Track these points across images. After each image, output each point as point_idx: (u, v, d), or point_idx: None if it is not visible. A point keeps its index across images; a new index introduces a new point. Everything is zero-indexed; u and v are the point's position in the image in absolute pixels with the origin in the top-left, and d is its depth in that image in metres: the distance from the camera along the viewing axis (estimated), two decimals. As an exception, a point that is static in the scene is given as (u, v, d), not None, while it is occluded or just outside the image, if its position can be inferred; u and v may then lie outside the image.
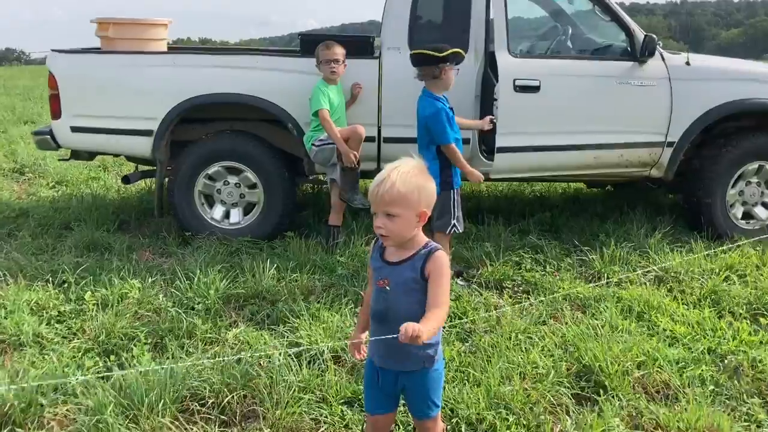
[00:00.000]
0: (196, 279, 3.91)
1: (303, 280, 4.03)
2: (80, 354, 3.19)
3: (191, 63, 4.95)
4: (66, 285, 3.93)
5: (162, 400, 2.69)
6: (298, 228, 5.00)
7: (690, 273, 4.19)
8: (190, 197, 4.88)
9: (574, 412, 2.80)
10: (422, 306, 1.99)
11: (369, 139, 4.65)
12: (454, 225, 4.01)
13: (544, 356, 3.17)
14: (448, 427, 2.66)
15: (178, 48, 6.03)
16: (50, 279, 4.00)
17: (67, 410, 2.72)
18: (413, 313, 1.96)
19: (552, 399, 2.85)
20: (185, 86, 4.75)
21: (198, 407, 2.76)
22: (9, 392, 2.69)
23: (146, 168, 5.36)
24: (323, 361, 3.08)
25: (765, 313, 3.69)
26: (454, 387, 2.89)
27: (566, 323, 3.54)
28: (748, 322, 3.58)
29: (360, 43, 5.09)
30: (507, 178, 5.54)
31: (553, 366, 3.07)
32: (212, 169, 4.87)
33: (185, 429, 2.63)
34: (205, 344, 3.31)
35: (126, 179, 5.26)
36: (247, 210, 4.98)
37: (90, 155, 5.34)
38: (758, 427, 2.73)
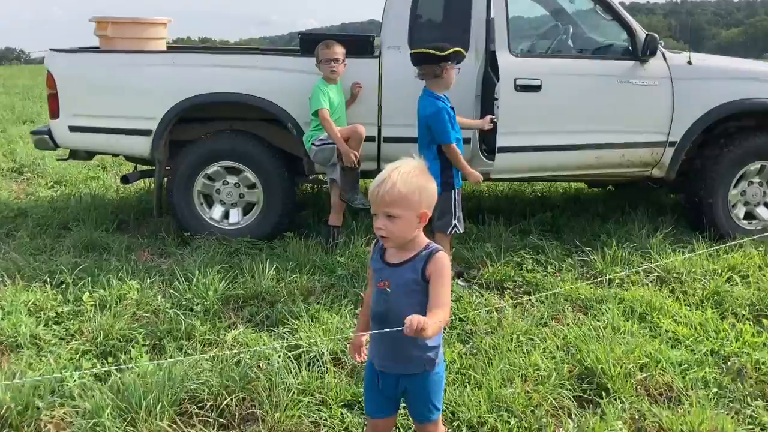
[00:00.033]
0: (194, 280, 3.88)
1: (302, 281, 4.00)
2: (78, 356, 3.16)
3: (190, 62, 4.91)
4: (64, 286, 3.91)
5: (160, 403, 2.66)
6: (297, 228, 4.97)
7: (692, 273, 4.17)
8: (189, 197, 4.86)
9: (576, 415, 2.78)
10: (423, 307, 1.96)
11: (369, 138, 4.62)
12: (455, 225, 3.99)
13: (546, 358, 3.15)
14: (450, 430, 2.64)
15: (177, 47, 6.00)
16: (48, 280, 3.97)
17: (64, 413, 2.69)
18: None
19: (554, 401, 2.83)
20: (184, 85, 4.73)
21: (196, 410, 2.73)
22: (5, 394, 2.67)
23: (145, 168, 5.34)
24: (323, 363, 3.05)
25: (768, 314, 3.67)
26: (455, 389, 2.87)
27: (568, 324, 3.52)
28: (751, 323, 3.56)
29: (360, 42, 5.07)
30: (508, 178, 5.52)
31: (554, 368, 3.04)
32: (211, 169, 4.85)
33: (183, 432, 2.61)
34: (204, 346, 3.29)
35: (125, 179, 5.24)
36: (247, 210, 4.95)
37: (88, 155, 5.31)
38: (762, 430, 2.70)
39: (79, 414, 2.66)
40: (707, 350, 3.25)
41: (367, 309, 2.20)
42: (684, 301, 3.85)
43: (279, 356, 3.03)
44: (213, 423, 2.68)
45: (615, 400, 2.84)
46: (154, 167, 4.97)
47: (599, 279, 4.11)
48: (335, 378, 2.94)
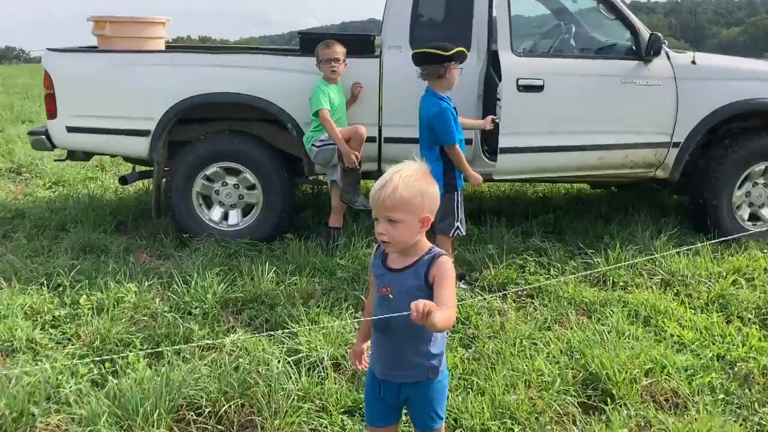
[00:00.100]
0: (193, 282, 3.84)
1: (302, 284, 3.95)
2: (74, 360, 3.11)
3: (189, 62, 4.86)
4: (61, 288, 3.86)
5: (157, 410, 2.61)
6: (297, 230, 4.92)
7: (696, 276, 4.12)
8: (188, 198, 4.81)
9: (581, 421, 2.73)
10: (427, 312, 1.91)
11: (370, 139, 4.58)
12: (458, 227, 3.95)
13: (550, 363, 3.10)
14: (452, 437, 2.59)
15: (176, 47, 5.95)
16: (45, 282, 3.93)
17: (59, 420, 2.65)
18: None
19: (558, 408, 2.78)
20: (183, 86, 4.68)
21: (194, 417, 2.68)
22: (0, 401, 2.62)
23: (144, 168, 5.29)
24: (323, 368, 3.01)
25: (774, 318, 3.62)
26: (457, 396, 2.82)
27: (571, 328, 3.47)
28: (758, 327, 3.51)
29: (360, 41, 5.02)
30: (510, 179, 5.47)
31: (558, 373, 2.99)
32: (210, 170, 4.80)
33: (181, 439, 2.56)
34: (203, 350, 3.24)
35: (123, 180, 5.20)
36: (246, 211, 4.90)
37: (86, 155, 5.26)
38: (770, 437, 2.66)
39: (74, 421, 2.62)
40: (713, 355, 3.20)
41: (369, 315, 2.15)
42: (689, 304, 3.81)
43: (278, 361, 2.99)
44: (211, 430, 2.64)
45: (620, 406, 2.79)
46: (152, 168, 4.92)
47: (591, 272, 4.06)
48: (336, 384, 2.89)
